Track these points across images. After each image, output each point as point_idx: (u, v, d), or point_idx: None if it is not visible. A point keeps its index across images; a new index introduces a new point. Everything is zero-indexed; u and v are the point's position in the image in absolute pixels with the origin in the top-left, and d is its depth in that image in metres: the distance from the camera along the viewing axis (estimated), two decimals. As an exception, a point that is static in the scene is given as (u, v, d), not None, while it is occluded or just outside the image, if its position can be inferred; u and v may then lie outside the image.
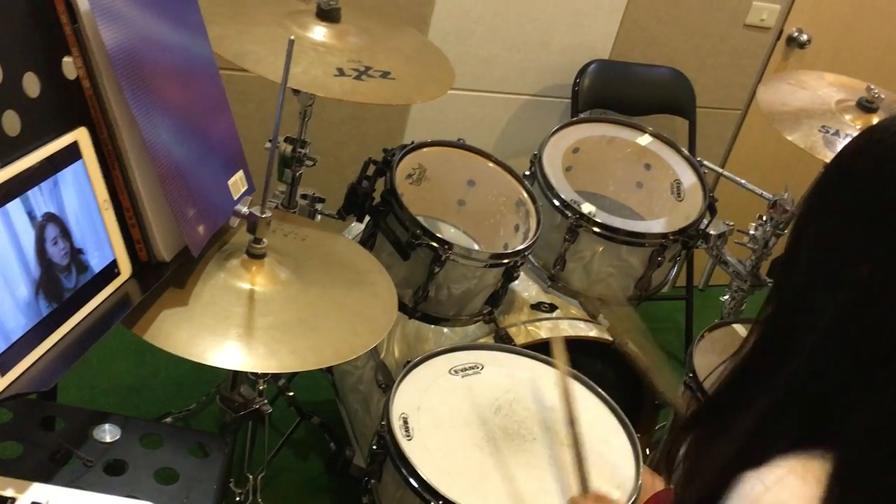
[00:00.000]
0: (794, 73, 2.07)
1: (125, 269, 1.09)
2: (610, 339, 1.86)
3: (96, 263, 1.04)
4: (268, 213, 1.21)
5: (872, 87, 1.94)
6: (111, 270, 1.06)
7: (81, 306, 1.01)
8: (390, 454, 1.40)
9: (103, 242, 1.05)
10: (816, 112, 1.91)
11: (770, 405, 0.77)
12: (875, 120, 1.91)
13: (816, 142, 1.82)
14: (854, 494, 0.71)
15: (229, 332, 1.12)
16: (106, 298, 1.05)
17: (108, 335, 1.01)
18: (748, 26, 2.74)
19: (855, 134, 1.85)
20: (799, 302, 0.78)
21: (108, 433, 1.10)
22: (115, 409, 2.10)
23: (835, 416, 0.74)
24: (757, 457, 0.75)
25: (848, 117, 1.91)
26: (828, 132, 1.85)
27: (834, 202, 0.76)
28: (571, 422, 1.34)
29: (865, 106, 1.92)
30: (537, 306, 1.89)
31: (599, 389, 1.62)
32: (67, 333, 0.98)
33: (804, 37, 2.77)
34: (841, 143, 1.83)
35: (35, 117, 0.95)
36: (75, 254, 1.00)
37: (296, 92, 1.62)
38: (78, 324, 1.00)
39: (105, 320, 1.03)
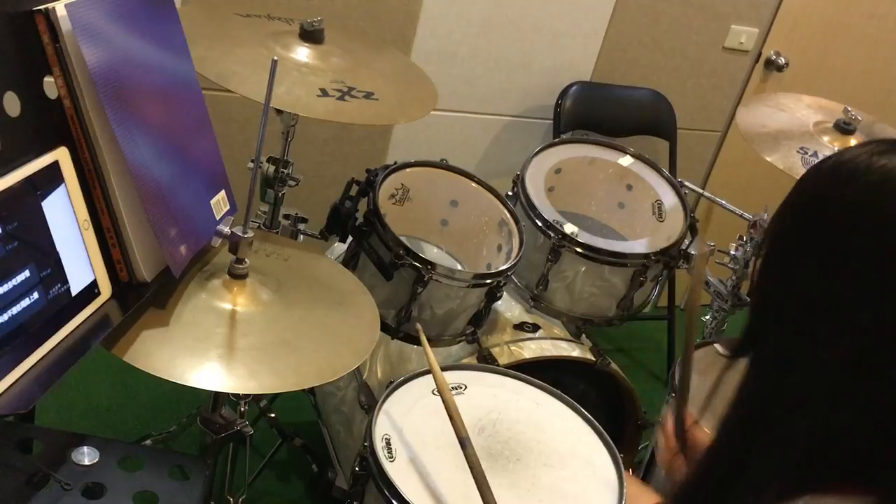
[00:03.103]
0: (772, 96, 2.09)
1: (105, 289, 1.08)
2: (593, 359, 1.86)
3: (76, 284, 1.03)
4: (250, 234, 1.21)
5: (849, 109, 1.97)
6: (91, 291, 1.06)
7: (60, 327, 1.00)
8: (373, 476, 1.38)
9: (83, 262, 1.04)
10: (795, 133, 1.94)
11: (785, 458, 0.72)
12: (853, 141, 1.94)
13: (795, 163, 1.84)
14: None
15: (210, 352, 1.11)
16: (85, 319, 1.04)
17: (88, 356, 1.00)
18: (727, 49, 2.78)
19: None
20: (791, 355, 0.73)
21: (86, 456, 1.08)
22: (93, 431, 2.07)
23: (871, 460, 0.70)
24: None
25: (826, 139, 1.94)
26: (806, 153, 1.87)
27: (812, 250, 0.71)
28: (462, 443, 1.32)
29: (843, 128, 1.95)
30: (520, 326, 1.89)
31: (582, 409, 1.61)
32: (46, 354, 0.97)
33: (782, 60, 2.81)
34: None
35: (15, 137, 0.95)
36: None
37: (279, 112, 1.62)
38: (57, 345, 0.99)
39: (84, 341, 1.02)
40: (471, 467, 1.31)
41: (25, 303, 0.94)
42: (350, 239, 1.73)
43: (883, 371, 0.68)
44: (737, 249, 2.06)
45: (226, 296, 1.21)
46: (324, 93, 1.48)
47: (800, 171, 1.83)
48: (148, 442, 2.05)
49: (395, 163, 1.77)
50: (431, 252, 1.86)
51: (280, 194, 1.76)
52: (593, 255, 1.81)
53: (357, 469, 1.44)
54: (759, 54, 2.83)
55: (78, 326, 1.03)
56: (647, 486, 1.45)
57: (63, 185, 1.01)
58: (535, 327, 1.90)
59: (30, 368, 0.94)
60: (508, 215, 1.81)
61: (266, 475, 2.11)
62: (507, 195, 1.87)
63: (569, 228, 1.81)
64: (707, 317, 2.18)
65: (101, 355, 1.05)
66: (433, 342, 1.74)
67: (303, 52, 1.57)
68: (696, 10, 2.65)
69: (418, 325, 1.62)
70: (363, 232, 1.66)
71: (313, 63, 1.56)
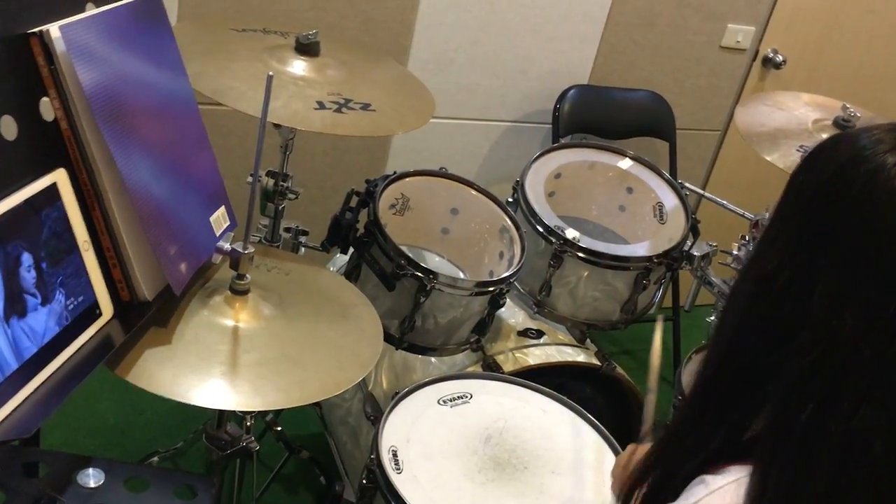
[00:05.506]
0: (770, 95, 2.09)
1: (107, 310, 1.08)
2: (598, 363, 1.86)
3: (77, 305, 1.02)
4: (250, 249, 1.20)
5: (848, 105, 1.97)
6: (92, 312, 1.05)
7: (62, 350, 1.00)
8: (380, 488, 1.38)
9: (84, 284, 1.04)
10: (794, 132, 1.93)
11: (704, 405, 0.82)
12: (852, 139, 1.93)
13: (795, 161, 1.83)
14: None
15: (213, 370, 1.11)
16: (87, 341, 1.04)
17: (92, 375, 1.00)
18: (724, 48, 2.77)
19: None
20: (729, 303, 0.83)
21: (91, 478, 1.07)
22: (100, 451, 2.08)
23: (749, 420, 0.77)
24: (711, 460, 0.78)
25: (825, 136, 1.93)
26: (806, 152, 1.86)
27: (776, 209, 0.80)
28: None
29: (842, 125, 1.94)
30: (524, 333, 1.89)
31: (588, 415, 1.61)
32: (48, 378, 0.97)
33: (779, 58, 2.81)
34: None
35: (13, 160, 0.95)
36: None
37: (277, 126, 1.62)
38: (59, 367, 0.98)
39: (87, 363, 1.01)
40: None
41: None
42: (351, 250, 1.73)
43: (768, 317, 0.75)
44: (739, 249, 2.05)
45: (228, 312, 1.20)
46: (321, 105, 1.48)
47: (800, 169, 1.82)
48: (155, 459, 2.05)
49: (395, 173, 1.77)
50: (433, 261, 1.86)
51: (280, 208, 1.76)
52: (595, 259, 1.80)
53: (364, 481, 1.43)
54: (757, 52, 2.83)
55: (80, 348, 1.02)
56: None
57: (62, 206, 1.01)
58: (540, 333, 1.90)
59: (32, 393, 0.94)
60: (509, 222, 1.81)
61: (274, 489, 2.11)
62: (507, 201, 1.87)
63: (570, 233, 1.80)
64: (711, 318, 2.17)
65: (106, 373, 1.05)
66: (437, 351, 1.74)
67: (299, 66, 1.57)
68: (692, 10, 2.65)
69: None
70: (364, 243, 1.66)
71: (310, 76, 1.56)
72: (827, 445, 0.69)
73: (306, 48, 1.58)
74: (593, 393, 1.90)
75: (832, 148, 0.77)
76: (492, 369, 1.75)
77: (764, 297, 0.76)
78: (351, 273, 1.71)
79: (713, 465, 0.78)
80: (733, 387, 0.79)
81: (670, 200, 1.99)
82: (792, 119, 1.98)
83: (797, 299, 0.73)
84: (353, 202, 1.72)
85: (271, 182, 1.72)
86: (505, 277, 1.66)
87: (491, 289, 1.66)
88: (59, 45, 0.99)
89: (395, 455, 1.42)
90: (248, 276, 1.22)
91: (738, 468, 0.76)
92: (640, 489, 0.85)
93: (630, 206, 2.05)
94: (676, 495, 0.78)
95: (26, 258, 0.95)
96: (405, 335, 1.66)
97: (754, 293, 0.77)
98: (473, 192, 1.84)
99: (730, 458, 0.77)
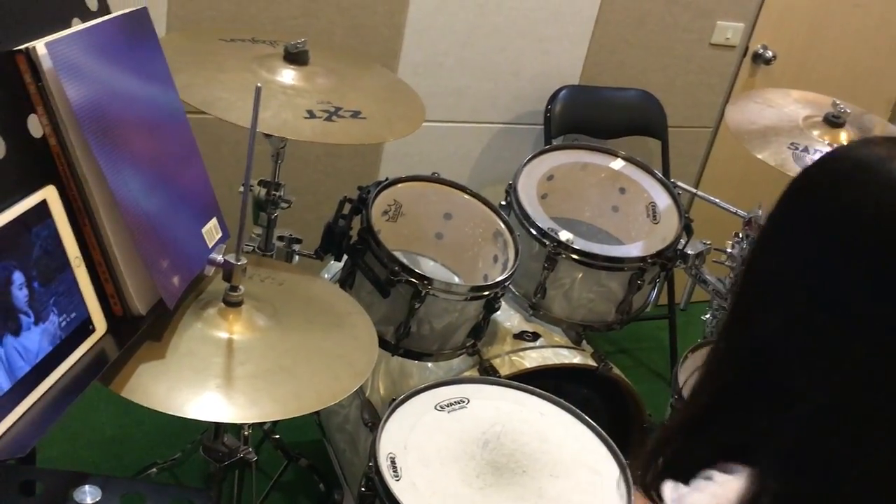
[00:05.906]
0: (760, 92, 2.09)
1: (100, 325, 1.08)
2: (594, 364, 1.86)
3: (70, 322, 1.02)
4: (243, 261, 1.20)
5: (838, 101, 1.97)
6: (85, 328, 1.05)
7: (56, 367, 0.99)
8: (379, 496, 1.38)
9: (76, 300, 1.04)
10: (784, 129, 1.93)
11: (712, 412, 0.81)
12: (843, 134, 1.94)
13: (786, 158, 1.84)
14: None
15: (208, 383, 1.11)
16: (81, 357, 1.03)
17: (89, 387, 1.00)
18: (714, 45, 2.78)
19: (824, 149, 1.88)
20: (739, 316, 0.80)
21: (88, 495, 1.07)
22: (98, 463, 2.08)
23: (753, 430, 0.76)
24: (721, 458, 0.78)
25: (816, 133, 1.94)
26: (797, 148, 1.87)
27: (785, 217, 0.76)
28: None
29: (832, 121, 1.95)
30: (520, 336, 1.89)
31: (586, 417, 1.61)
32: (42, 396, 0.96)
33: (769, 53, 2.82)
34: (810, 159, 1.85)
35: (2, 178, 0.94)
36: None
37: (267, 136, 1.62)
38: (53, 385, 0.98)
39: (81, 379, 1.01)
40: None
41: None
42: (345, 258, 1.73)
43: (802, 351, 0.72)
44: (733, 247, 2.05)
45: (222, 324, 1.20)
46: (311, 114, 1.48)
47: (791, 166, 1.83)
48: (153, 470, 2.04)
49: (387, 179, 1.77)
50: (427, 266, 1.85)
51: (273, 217, 1.76)
52: (589, 261, 1.80)
53: (363, 489, 1.43)
54: (746, 49, 2.83)
55: (74, 365, 1.02)
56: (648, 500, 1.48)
57: (52, 223, 1.01)
58: (536, 336, 1.90)
59: (26, 412, 0.93)
60: (503, 225, 1.80)
61: (273, 497, 2.10)
62: (500, 205, 1.87)
63: (564, 235, 1.81)
64: (707, 315, 2.17)
65: (101, 385, 1.05)
66: (433, 356, 1.74)
67: (288, 75, 1.57)
68: (681, 7, 2.65)
69: None
70: (358, 250, 1.66)
71: (299, 85, 1.56)
72: (841, 479, 0.68)
73: (295, 57, 1.58)
74: (590, 393, 1.90)
75: (860, 181, 0.71)
76: (488, 373, 1.75)
77: (793, 334, 0.73)
78: (345, 280, 1.71)
79: (723, 462, 0.77)
80: (743, 398, 0.77)
81: (663, 200, 2.00)
82: (783, 116, 1.98)
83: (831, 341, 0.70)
84: (346, 209, 1.72)
85: (263, 191, 1.72)
86: (500, 281, 1.66)
87: (486, 293, 1.66)
88: (46, 62, 0.99)
89: (393, 462, 1.42)
90: (241, 287, 1.22)
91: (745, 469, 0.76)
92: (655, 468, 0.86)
93: (623, 207, 2.05)
94: (685, 480, 0.79)
95: (17, 277, 0.94)
96: (401, 341, 1.66)
97: (782, 327, 0.74)
98: (466, 196, 1.84)
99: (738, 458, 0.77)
